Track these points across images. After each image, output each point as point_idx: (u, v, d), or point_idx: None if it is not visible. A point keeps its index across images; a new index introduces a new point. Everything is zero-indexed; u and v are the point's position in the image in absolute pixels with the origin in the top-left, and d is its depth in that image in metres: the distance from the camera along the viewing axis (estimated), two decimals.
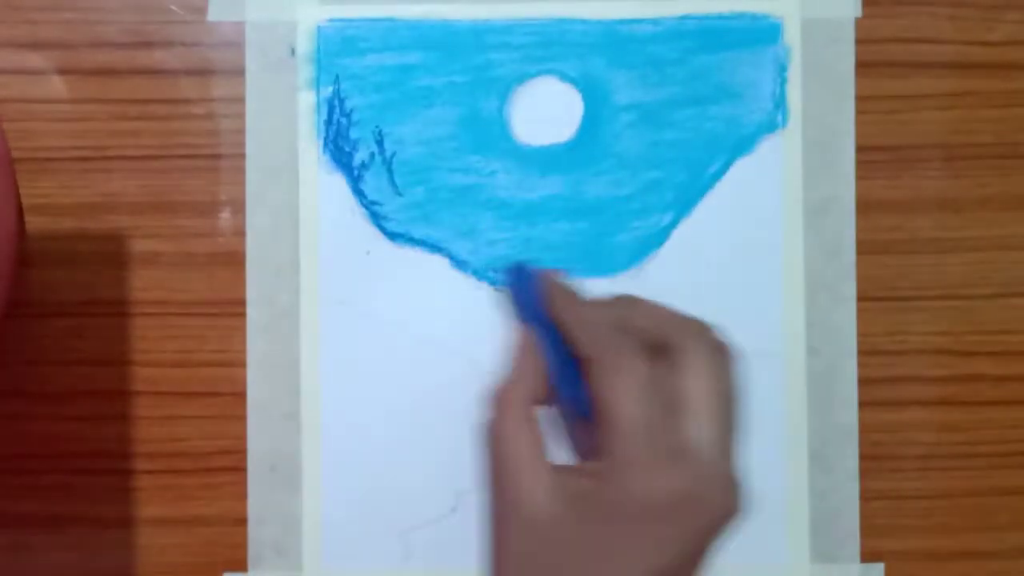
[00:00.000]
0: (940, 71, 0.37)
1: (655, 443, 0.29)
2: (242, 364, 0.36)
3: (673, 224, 0.36)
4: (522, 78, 0.36)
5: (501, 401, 0.32)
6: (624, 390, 0.29)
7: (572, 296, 0.33)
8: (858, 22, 0.36)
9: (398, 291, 0.36)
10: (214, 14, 0.36)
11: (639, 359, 0.30)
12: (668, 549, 0.29)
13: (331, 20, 0.36)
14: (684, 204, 0.36)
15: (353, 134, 0.36)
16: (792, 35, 0.36)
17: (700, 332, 0.31)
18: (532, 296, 0.33)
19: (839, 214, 0.36)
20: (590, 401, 0.30)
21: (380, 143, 0.36)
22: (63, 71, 0.36)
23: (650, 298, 0.34)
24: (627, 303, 0.32)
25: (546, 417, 0.32)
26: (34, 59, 0.35)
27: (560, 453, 0.34)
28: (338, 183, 0.36)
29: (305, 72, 0.36)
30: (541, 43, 0.36)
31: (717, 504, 0.29)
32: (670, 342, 0.30)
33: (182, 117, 0.36)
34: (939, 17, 0.37)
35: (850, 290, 0.36)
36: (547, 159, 0.36)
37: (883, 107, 0.36)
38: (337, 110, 0.36)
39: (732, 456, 0.30)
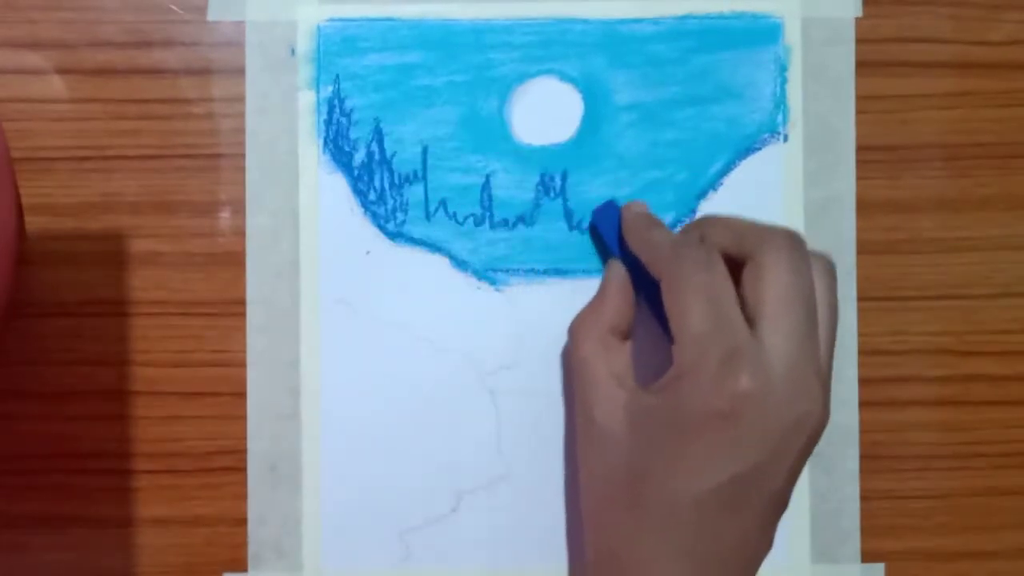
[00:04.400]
0: (940, 71, 0.37)
1: (718, 349, 0.28)
2: (242, 364, 0.36)
3: (673, 224, 0.36)
4: (522, 78, 0.36)
5: (580, 328, 0.33)
6: (685, 302, 0.29)
7: (648, 223, 0.33)
8: (858, 22, 0.36)
9: (398, 291, 0.36)
10: (214, 14, 0.36)
11: (703, 271, 0.29)
12: (737, 457, 0.28)
13: (331, 20, 0.36)
14: (684, 204, 0.36)
15: (353, 134, 0.36)
16: (792, 35, 0.36)
17: (778, 239, 0.30)
18: (617, 230, 0.34)
19: (839, 214, 0.36)
20: None
21: (380, 143, 0.36)
22: (63, 71, 0.36)
23: None
24: (706, 222, 0.32)
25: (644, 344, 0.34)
26: (34, 59, 0.35)
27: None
28: (338, 183, 0.36)
29: (305, 72, 0.36)
30: (541, 43, 0.36)
31: (791, 406, 0.28)
32: (748, 252, 0.30)
33: (182, 117, 0.36)
34: (939, 17, 0.37)
35: (850, 290, 0.36)
36: (547, 159, 0.36)
37: (883, 107, 0.36)
38: (337, 110, 0.36)
39: (812, 360, 0.29)
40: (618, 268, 0.34)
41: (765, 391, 0.28)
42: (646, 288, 0.33)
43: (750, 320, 0.29)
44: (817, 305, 0.30)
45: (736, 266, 0.30)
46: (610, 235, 0.35)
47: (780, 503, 0.30)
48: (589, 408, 0.31)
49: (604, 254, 0.36)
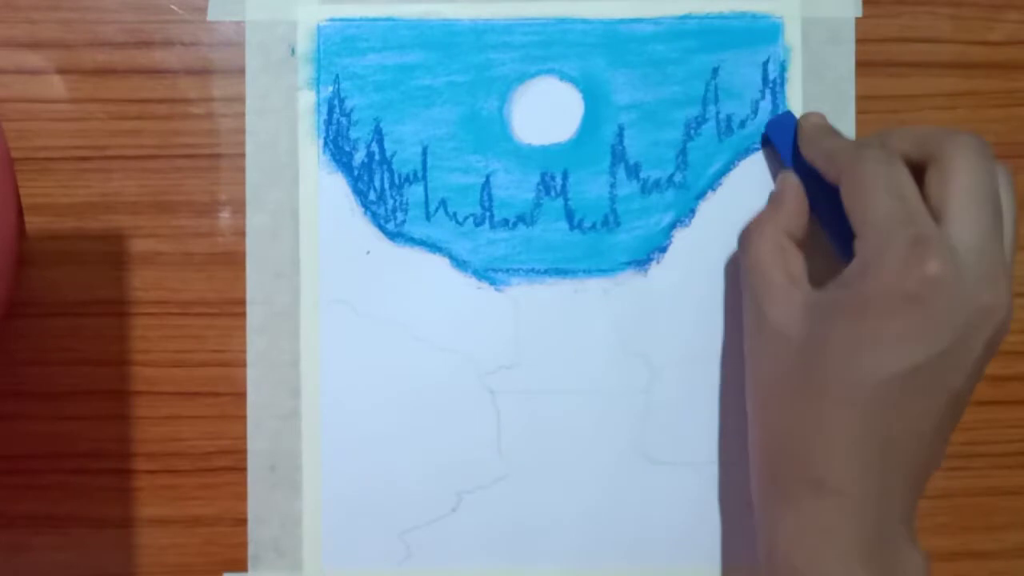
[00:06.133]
0: (940, 71, 0.37)
1: (906, 234, 0.28)
2: (242, 364, 0.36)
3: (673, 224, 0.36)
4: (522, 78, 0.36)
5: (755, 231, 0.33)
6: (868, 196, 0.29)
7: (827, 132, 0.34)
8: (858, 22, 0.36)
9: (398, 291, 0.36)
10: (214, 14, 0.36)
11: (884, 166, 0.29)
12: (921, 344, 0.28)
13: (331, 20, 0.36)
14: (684, 204, 0.36)
15: (353, 134, 0.36)
16: (792, 35, 0.36)
17: (963, 139, 0.29)
18: (792, 141, 0.35)
19: None
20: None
21: (380, 143, 0.36)
22: (63, 71, 0.36)
23: (652, 298, 0.35)
24: (886, 131, 0.32)
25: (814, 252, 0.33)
26: (34, 59, 0.35)
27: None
28: (338, 183, 0.36)
29: (305, 72, 0.36)
30: (541, 43, 0.36)
31: (978, 295, 0.28)
32: (932, 153, 0.30)
33: (182, 117, 0.36)
34: (939, 17, 0.37)
35: None
36: (547, 159, 0.36)
37: (883, 107, 0.36)
38: (337, 110, 0.36)
39: (998, 253, 0.29)
40: (792, 176, 0.34)
41: (953, 277, 0.28)
42: (818, 202, 0.34)
43: (936, 218, 0.29)
44: (1002, 207, 0.30)
45: (918, 172, 0.30)
46: (784, 146, 0.35)
47: (959, 404, 0.29)
48: (763, 308, 0.31)
49: (774, 167, 0.36)
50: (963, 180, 0.29)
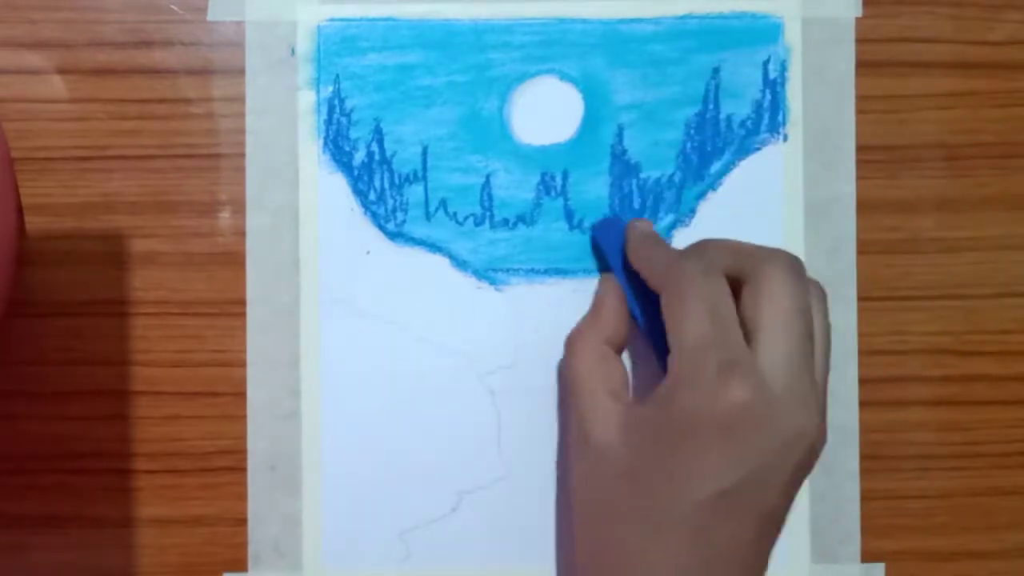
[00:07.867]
0: (940, 71, 0.37)
1: (715, 359, 0.28)
2: (242, 364, 0.36)
3: (673, 224, 0.36)
4: (522, 78, 0.36)
5: (576, 342, 0.33)
6: (684, 311, 0.29)
7: (651, 241, 0.33)
8: (858, 22, 0.36)
9: (398, 291, 0.36)
10: (214, 14, 0.36)
11: (702, 281, 0.29)
12: (732, 468, 0.28)
13: (331, 20, 0.36)
14: (684, 204, 0.36)
15: (353, 134, 0.36)
16: (792, 35, 0.36)
17: (777, 260, 0.30)
18: (619, 246, 0.34)
19: (839, 214, 0.36)
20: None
21: (380, 143, 0.36)
22: (63, 71, 0.36)
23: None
24: (706, 242, 0.32)
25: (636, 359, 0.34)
26: (34, 59, 0.35)
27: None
28: (338, 183, 0.36)
29: (305, 72, 0.36)
30: (541, 43, 0.36)
31: (786, 421, 0.28)
32: (748, 272, 0.30)
33: (182, 117, 0.36)
34: (939, 17, 0.37)
35: (850, 290, 0.36)
36: (547, 159, 0.36)
37: (883, 107, 0.36)
38: (337, 110, 0.36)
39: (808, 378, 0.29)
40: (612, 282, 0.34)
41: (760, 404, 0.28)
42: (642, 306, 0.33)
43: (748, 337, 0.29)
44: (813, 329, 0.30)
45: (735, 287, 0.30)
46: (612, 249, 0.35)
47: (774, 522, 0.30)
48: (584, 421, 0.31)
49: (603, 264, 0.36)
50: (774, 302, 0.29)
